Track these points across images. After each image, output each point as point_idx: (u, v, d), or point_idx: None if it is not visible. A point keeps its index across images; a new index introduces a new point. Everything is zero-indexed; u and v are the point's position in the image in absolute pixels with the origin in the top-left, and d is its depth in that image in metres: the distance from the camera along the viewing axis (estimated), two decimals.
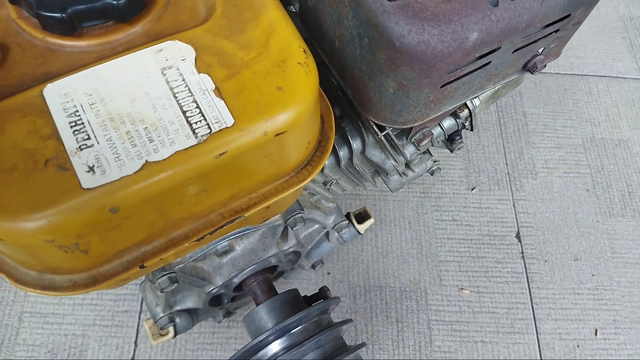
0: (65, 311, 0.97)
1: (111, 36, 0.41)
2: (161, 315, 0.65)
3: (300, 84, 0.41)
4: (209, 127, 0.37)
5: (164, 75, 0.39)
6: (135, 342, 0.96)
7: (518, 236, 1.13)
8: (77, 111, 0.37)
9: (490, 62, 0.48)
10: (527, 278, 1.08)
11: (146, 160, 0.36)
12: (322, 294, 0.70)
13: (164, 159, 0.36)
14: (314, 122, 0.44)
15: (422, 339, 1.00)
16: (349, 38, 0.48)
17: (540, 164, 1.24)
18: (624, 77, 1.39)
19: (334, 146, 0.61)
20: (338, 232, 0.76)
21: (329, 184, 0.66)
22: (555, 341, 1.03)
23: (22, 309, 0.97)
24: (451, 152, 0.75)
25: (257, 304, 0.66)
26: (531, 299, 1.06)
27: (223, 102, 0.39)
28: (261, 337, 0.60)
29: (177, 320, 0.70)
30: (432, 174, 0.76)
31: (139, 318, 0.97)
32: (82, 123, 0.37)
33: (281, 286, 0.99)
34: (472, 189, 1.18)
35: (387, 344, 0.98)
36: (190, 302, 0.67)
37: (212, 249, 0.60)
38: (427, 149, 0.74)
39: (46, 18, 0.38)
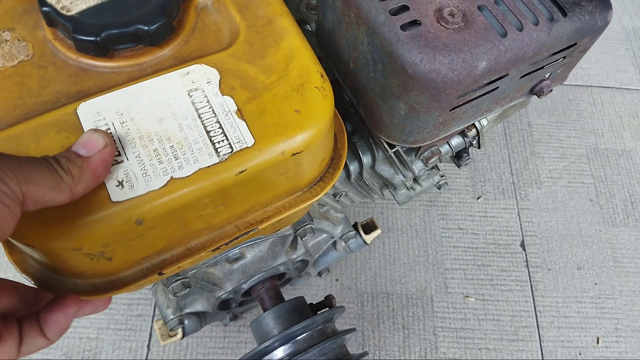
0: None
1: (141, 58, 0.43)
2: (171, 317, 0.67)
3: (317, 107, 0.43)
4: (231, 147, 0.40)
5: (190, 96, 0.42)
6: (148, 346, 0.97)
7: (522, 245, 1.15)
8: (109, 129, 0.40)
9: (498, 87, 0.51)
10: (531, 286, 1.10)
11: (171, 177, 0.38)
12: (328, 302, 0.72)
13: (187, 176, 0.39)
14: (328, 141, 0.47)
15: (427, 346, 1.02)
16: (364, 62, 0.50)
17: (544, 174, 1.26)
18: (627, 88, 1.40)
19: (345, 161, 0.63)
20: (345, 242, 0.78)
21: (339, 195, 0.68)
22: (558, 349, 1.05)
23: None
24: (458, 167, 0.77)
25: (264, 310, 0.69)
26: (535, 307, 1.08)
27: (244, 123, 0.41)
28: (267, 343, 0.62)
29: (186, 322, 0.73)
30: (439, 189, 0.78)
31: (152, 322, 0.99)
32: (113, 140, 0.39)
33: (290, 292, 1.02)
34: (478, 198, 1.20)
35: (394, 350, 1.00)
36: (199, 306, 0.69)
37: (224, 256, 0.62)
38: (437, 167, 0.76)
39: (81, 41, 0.41)
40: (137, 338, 0.98)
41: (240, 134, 0.40)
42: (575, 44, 0.51)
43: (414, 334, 1.03)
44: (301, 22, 0.64)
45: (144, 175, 0.38)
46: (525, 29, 0.46)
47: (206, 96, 0.42)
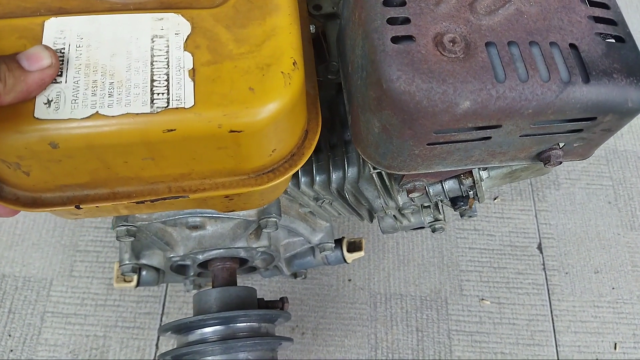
0: (87, 312, 0.97)
1: None
2: (126, 262, 0.68)
3: (274, 91, 0.40)
4: (168, 102, 0.39)
5: (153, 42, 0.41)
6: (157, 344, 0.96)
7: (540, 247, 1.12)
8: (64, 49, 0.40)
9: (490, 137, 0.45)
10: (548, 290, 1.08)
11: (97, 111, 0.38)
12: (278, 304, 0.69)
13: (113, 115, 0.38)
14: (283, 133, 0.44)
15: (442, 349, 1.00)
16: (357, 66, 0.47)
17: (563, 175, 1.22)
18: None
19: (329, 166, 0.60)
20: (321, 252, 0.75)
21: (321, 201, 0.65)
22: (575, 354, 1.02)
23: (45, 308, 0.97)
24: (461, 217, 0.71)
25: (212, 287, 0.67)
26: (551, 311, 1.06)
27: (192, 83, 0.39)
28: (199, 317, 0.61)
29: (144, 273, 0.73)
30: (433, 231, 0.73)
31: (161, 320, 0.98)
32: (62, 60, 0.39)
33: (298, 285, 1.01)
34: (495, 199, 1.17)
35: (407, 353, 0.99)
36: (155, 261, 0.69)
37: (183, 220, 0.61)
38: (437, 206, 0.71)
39: None
40: (146, 336, 0.96)
41: (183, 93, 0.39)
42: (595, 118, 0.45)
43: (427, 337, 1.00)
44: (332, 16, 0.62)
45: (73, 101, 0.38)
46: (530, 81, 0.41)
47: (168, 46, 0.41)
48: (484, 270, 1.08)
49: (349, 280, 1.04)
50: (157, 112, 0.38)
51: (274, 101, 0.40)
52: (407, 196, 0.57)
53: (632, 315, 1.07)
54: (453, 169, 0.51)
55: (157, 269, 0.73)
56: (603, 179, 1.22)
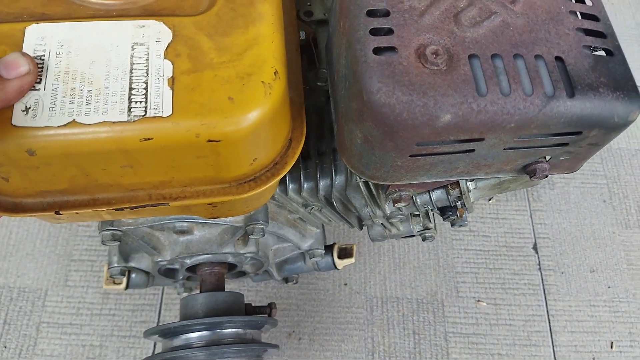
0: (83, 322, 0.96)
1: (111, 0, 0.43)
2: (115, 265, 0.68)
3: (254, 101, 0.40)
4: (145, 111, 0.38)
5: (133, 49, 0.41)
6: (153, 353, 0.96)
7: (535, 247, 1.12)
8: (44, 56, 0.40)
9: (474, 150, 0.45)
10: (544, 290, 1.08)
11: (74, 119, 0.38)
12: (266, 310, 0.69)
13: (89, 124, 0.38)
14: (264, 142, 0.44)
15: (439, 351, 1.00)
16: (341, 75, 0.47)
17: (557, 174, 1.19)
18: None
19: (316, 174, 0.60)
20: (311, 258, 0.75)
21: (310, 208, 0.65)
22: (572, 354, 1.02)
23: (40, 319, 0.96)
24: (451, 226, 0.71)
25: (200, 291, 0.67)
26: (547, 311, 1.06)
27: (171, 92, 0.39)
28: (183, 322, 0.61)
29: (133, 275, 0.73)
30: (423, 240, 0.72)
31: None
32: (41, 68, 0.39)
33: (291, 291, 1.01)
34: (489, 199, 1.17)
35: (404, 356, 0.99)
36: (144, 264, 0.69)
37: (170, 224, 0.61)
38: (428, 215, 0.70)
39: None
40: (142, 345, 0.95)
41: (161, 102, 0.39)
42: (581, 133, 0.44)
43: (424, 339, 1.00)
44: (324, 23, 0.61)
45: (51, 109, 0.38)
46: (512, 95, 0.40)
47: (148, 54, 0.41)
48: (479, 271, 1.08)
49: (345, 284, 1.04)
50: (134, 121, 0.38)
51: (253, 111, 0.40)
52: (394, 206, 0.57)
53: (628, 313, 1.07)
54: (438, 180, 0.51)
55: (146, 272, 0.73)
56: (597, 177, 1.22)
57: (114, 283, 0.73)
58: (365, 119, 0.42)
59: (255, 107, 0.40)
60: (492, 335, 1.02)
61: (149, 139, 0.39)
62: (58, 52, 0.40)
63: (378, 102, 0.40)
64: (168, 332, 0.62)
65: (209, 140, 0.40)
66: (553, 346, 1.03)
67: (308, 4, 0.62)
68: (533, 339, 1.03)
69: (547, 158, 0.49)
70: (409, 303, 1.03)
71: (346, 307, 1.02)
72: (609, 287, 1.09)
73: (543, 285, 1.08)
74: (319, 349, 0.98)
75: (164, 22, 0.42)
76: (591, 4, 0.48)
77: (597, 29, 0.46)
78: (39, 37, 0.40)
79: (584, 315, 1.06)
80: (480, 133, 0.42)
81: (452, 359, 0.99)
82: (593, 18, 0.47)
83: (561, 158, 0.49)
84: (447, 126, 0.41)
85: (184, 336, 0.61)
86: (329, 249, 0.79)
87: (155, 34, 0.41)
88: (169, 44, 0.41)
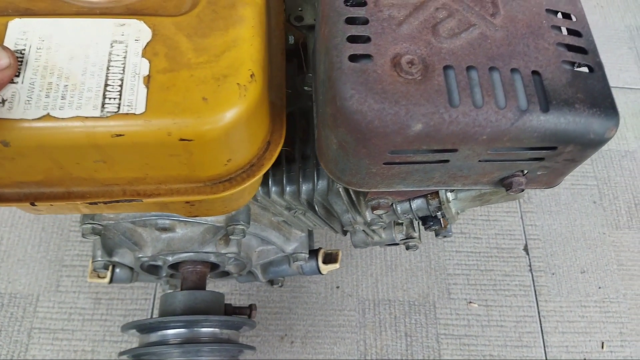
0: (75, 327, 0.96)
1: None
2: (99, 259, 0.68)
3: (228, 102, 0.41)
4: (118, 107, 0.39)
5: (112, 47, 0.41)
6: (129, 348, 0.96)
7: (526, 249, 1.13)
8: (24, 50, 0.40)
9: (448, 160, 0.45)
10: (535, 291, 1.09)
11: (48, 113, 0.38)
12: (245, 310, 0.70)
13: (63, 118, 0.38)
14: (238, 144, 0.44)
15: (431, 353, 1.01)
16: (320, 81, 0.47)
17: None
18: (630, 88, 1.36)
19: (298, 177, 0.60)
20: (294, 261, 0.75)
21: (294, 211, 0.65)
22: (563, 354, 1.03)
23: (32, 325, 0.95)
24: (435, 236, 0.71)
25: (181, 289, 0.68)
26: (539, 312, 1.06)
27: (146, 90, 0.40)
28: (159, 319, 0.61)
29: (117, 270, 0.74)
30: (407, 249, 0.72)
31: None
32: (21, 61, 0.40)
33: (283, 294, 1.01)
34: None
35: (397, 358, 0.99)
36: (127, 260, 0.70)
37: (153, 221, 0.62)
38: (412, 224, 0.70)
39: None
40: None
41: (135, 99, 0.39)
42: (556, 148, 0.44)
43: (416, 341, 1.01)
44: (314, 28, 0.61)
45: (27, 102, 0.39)
46: (484, 107, 0.41)
47: (126, 52, 0.41)
48: (471, 273, 1.09)
49: (337, 287, 1.04)
50: (107, 117, 0.39)
51: (227, 111, 0.41)
52: (373, 213, 0.57)
53: (618, 313, 1.08)
54: (415, 189, 0.51)
55: (130, 268, 0.74)
56: (588, 178, 1.23)
57: (98, 277, 0.74)
58: (339, 124, 0.42)
59: (229, 108, 0.41)
60: (484, 337, 1.03)
61: (120, 135, 0.39)
62: (38, 47, 0.41)
63: (350, 109, 0.40)
64: (145, 328, 0.62)
65: (181, 139, 0.40)
66: (544, 347, 1.03)
67: (299, 9, 0.62)
68: (524, 340, 1.03)
69: (524, 172, 0.49)
70: (401, 305, 1.04)
71: (338, 309, 1.02)
72: (599, 288, 1.10)
73: (534, 286, 1.09)
74: (311, 352, 0.98)
75: (144, 22, 0.43)
76: (575, 20, 0.47)
77: (579, 45, 0.46)
78: (21, 31, 0.41)
79: (574, 315, 1.07)
80: (452, 144, 0.42)
81: None
82: (575, 33, 0.47)
83: (538, 172, 0.49)
84: (419, 135, 0.41)
85: (160, 332, 0.62)
86: (314, 253, 0.79)
87: (135, 32, 0.42)
88: (147, 43, 0.42)
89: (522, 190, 0.50)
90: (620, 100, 1.34)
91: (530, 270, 1.11)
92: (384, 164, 0.45)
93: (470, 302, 1.05)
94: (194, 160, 0.43)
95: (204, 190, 0.46)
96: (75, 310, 0.97)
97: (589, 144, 0.44)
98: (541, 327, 1.05)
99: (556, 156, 0.45)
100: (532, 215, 1.17)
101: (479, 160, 0.45)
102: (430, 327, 1.02)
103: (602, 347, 1.04)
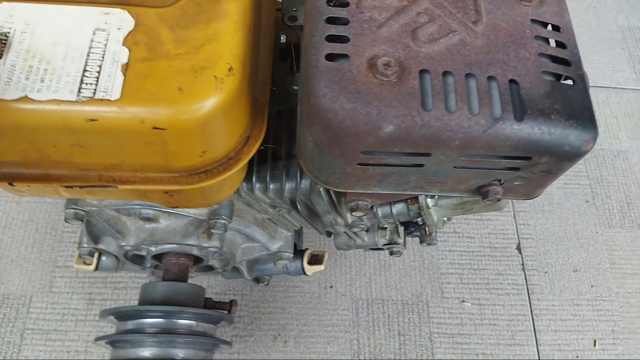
0: (68, 328, 0.95)
1: None
2: (84, 245, 0.69)
3: (203, 94, 0.41)
4: (94, 93, 0.40)
5: (94, 34, 0.42)
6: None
7: (519, 248, 1.14)
8: (9, 33, 0.41)
9: (423, 165, 0.45)
10: (528, 290, 1.09)
11: (26, 95, 0.39)
12: (225, 305, 0.70)
13: (39, 100, 0.39)
14: (214, 136, 0.45)
15: (424, 352, 1.01)
16: (302, 78, 0.47)
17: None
18: (623, 88, 1.38)
19: (282, 175, 0.60)
20: (278, 260, 0.75)
21: (279, 210, 0.65)
22: (555, 352, 1.04)
23: (24, 326, 0.94)
24: (420, 243, 0.71)
25: (162, 280, 0.68)
26: (531, 311, 1.07)
27: (123, 78, 0.41)
28: (136, 307, 0.62)
29: (103, 258, 0.74)
30: (391, 254, 0.72)
31: None
32: (5, 43, 0.41)
33: (277, 294, 1.02)
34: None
35: (390, 357, 0.99)
36: (112, 248, 0.70)
37: (137, 210, 0.62)
38: (397, 229, 0.70)
39: None
40: None
41: (112, 86, 0.40)
42: (531, 158, 0.44)
43: (410, 340, 1.01)
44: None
45: (6, 83, 0.39)
46: (457, 113, 0.41)
47: (107, 40, 0.42)
48: (464, 272, 1.09)
49: (331, 286, 1.04)
50: (82, 102, 0.39)
51: (201, 103, 0.41)
52: (351, 214, 0.57)
53: (610, 312, 1.08)
54: (392, 192, 0.51)
55: (116, 256, 0.74)
56: (580, 178, 1.24)
57: (84, 263, 0.75)
58: (313, 122, 0.43)
59: (204, 100, 0.41)
60: (477, 335, 1.03)
61: (94, 120, 0.40)
62: (23, 31, 0.42)
63: (323, 107, 0.41)
64: (122, 315, 0.63)
65: (155, 128, 0.41)
66: (537, 345, 1.04)
67: (294, 9, 0.63)
68: (517, 339, 1.04)
69: (501, 181, 0.49)
70: (394, 304, 1.04)
71: (332, 309, 1.02)
72: (592, 286, 1.11)
73: (527, 285, 1.09)
74: (304, 351, 0.98)
75: (128, 11, 0.43)
76: (560, 31, 0.47)
77: (562, 56, 0.46)
78: (7, 15, 0.42)
79: (567, 314, 1.07)
80: (425, 148, 0.42)
81: (437, 359, 1.00)
82: (559, 45, 0.47)
83: (515, 183, 0.49)
84: (391, 137, 0.41)
85: (137, 321, 0.62)
86: (300, 253, 0.79)
87: (118, 21, 0.43)
88: (129, 32, 0.43)
89: (499, 200, 0.50)
90: (613, 100, 1.36)
91: (523, 269, 1.11)
92: (358, 164, 0.45)
93: (463, 301, 1.06)
94: (168, 149, 0.43)
95: (179, 181, 0.47)
96: (69, 311, 0.97)
97: (564, 156, 0.44)
98: (534, 325, 1.05)
99: (532, 167, 0.45)
100: (525, 215, 1.17)
101: (455, 167, 0.45)
102: (424, 326, 1.03)
103: (595, 345, 1.04)
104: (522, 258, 1.12)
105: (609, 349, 1.05)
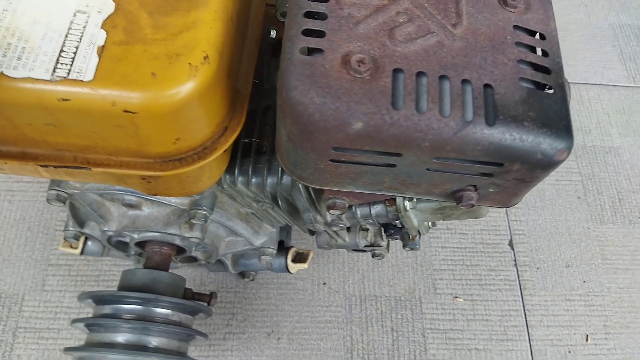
0: (61, 326, 0.95)
1: None
2: (70, 228, 0.70)
3: (176, 80, 0.41)
4: (68, 73, 0.40)
5: (75, 16, 0.43)
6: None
7: (511, 244, 1.14)
8: None
9: (395, 165, 0.45)
10: (520, 285, 1.10)
11: (2, 72, 0.40)
12: (204, 297, 0.70)
13: (15, 77, 0.40)
14: (187, 123, 0.45)
15: (417, 348, 1.01)
16: (279, 71, 0.47)
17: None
18: (614, 85, 1.39)
19: (264, 170, 0.60)
20: (261, 256, 0.75)
21: (262, 204, 0.66)
22: (547, 347, 1.05)
23: (17, 324, 0.94)
24: (403, 247, 0.70)
25: (143, 267, 0.69)
26: (524, 306, 1.08)
27: (97, 60, 0.41)
28: (113, 292, 0.62)
29: (89, 243, 0.75)
30: (373, 257, 0.72)
31: None
32: None
33: (270, 291, 1.02)
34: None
35: (383, 354, 1.00)
36: (97, 233, 0.71)
37: (120, 196, 0.63)
38: (380, 232, 0.70)
39: None
40: None
41: (86, 67, 0.41)
42: (502, 164, 0.43)
43: (403, 336, 1.02)
44: None
45: None
46: (427, 114, 0.40)
47: (87, 22, 0.43)
48: (456, 268, 1.10)
49: (324, 283, 1.05)
50: (56, 81, 0.40)
51: (173, 89, 0.41)
52: (328, 212, 0.57)
53: (602, 307, 1.09)
54: (366, 191, 0.50)
55: (101, 241, 0.75)
56: (572, 174, 1.25)
57: (70, 247, 0.76)
58: (285, 115, 0.43)
59: (177, 86, 0.42)
60: (470, 331, 1.04)
61: (66, 99, 0.40)
62: (5, 9, 0.42)
63: (293, 100, 0.41)
64: (100, 299, 0.63)
65: (126, 111, 0.41)
66: (529, 340, 1.04)
67: (286, 5, 0.63)
68: (510, 334, 1.04)
69: (476, 187, 0.48)
70: (387, 301, 1.05)
71: (325, 306, 1.02)
72: (584, 282, 1.11)
73: (519, 280, 1.10)
74: (298, 348, 0.98)
75: None
76: (544, 39, 0.47)
77: (542, 64, 0.45)
78: None
79: (559, 309, 1.08)
80: (395, 147, 0.42)
81: (430, 355, 1.01)
82: (541, 52, 0.46)
83: (490, 189, 0.48)
84: (360, 134, 0.41)
85: (113, 306, 0.63)
86: (286, 251, 0.79)
87: (99, 5, 0.43)
88: (109, 16, 0.43)
89: (472, 206, 0.49)
90: (605, 97, 1.37)
91: (515, 265, 1.12)
92: (330, 160, 0.45)
93: (456, 297, 1.06)
94: (140, 134, 0.44)
95: (153, 167, 0.47)
96: (61, 309, 0.96)
97: (537, 164, 0.43)
98: (526, 320, 1.06)
99: (505, 173, 0.45)
100: (517, 211, 1.18)
101: (428, 169, 0.45)
102: (417, 322, 1.03)
103: (587, 340, 1.05)
104: (514, 254, 1.13)
105: (601, 343, 1.06)
